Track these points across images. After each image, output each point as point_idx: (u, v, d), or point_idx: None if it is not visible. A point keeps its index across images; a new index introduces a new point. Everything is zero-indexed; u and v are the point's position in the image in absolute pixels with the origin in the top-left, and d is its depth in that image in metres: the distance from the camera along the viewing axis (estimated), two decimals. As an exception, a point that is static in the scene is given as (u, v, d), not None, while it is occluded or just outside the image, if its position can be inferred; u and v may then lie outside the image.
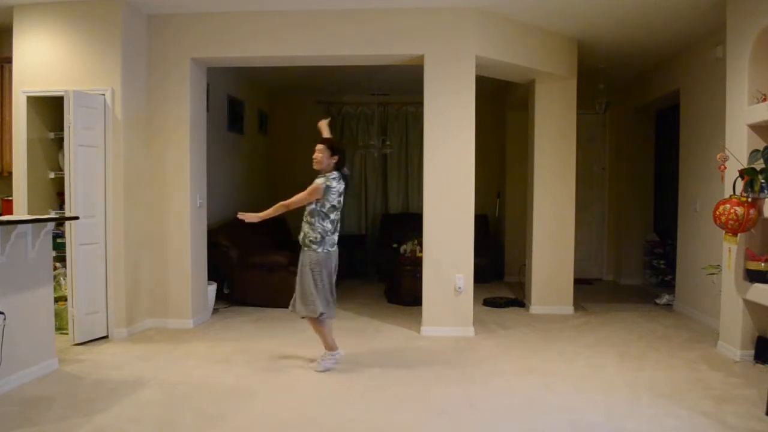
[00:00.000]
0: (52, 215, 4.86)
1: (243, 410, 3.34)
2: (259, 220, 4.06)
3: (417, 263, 5.72)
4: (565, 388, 3.71)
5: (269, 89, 8.53)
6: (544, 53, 5.60)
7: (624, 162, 7.86)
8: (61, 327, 4.65)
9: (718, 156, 4.35)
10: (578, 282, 6.79)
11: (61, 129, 4.64)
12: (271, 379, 3.89)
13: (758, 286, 4.05)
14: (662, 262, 7.38)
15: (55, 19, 4.81)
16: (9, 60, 4.95)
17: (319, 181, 3.92)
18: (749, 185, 4.01)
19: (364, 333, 5.14)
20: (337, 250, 4.11)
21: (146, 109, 5.16)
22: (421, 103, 5.25)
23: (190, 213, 5.22)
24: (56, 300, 4.57)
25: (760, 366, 4.09)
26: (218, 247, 6.09)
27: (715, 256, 5.04)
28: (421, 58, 5.09)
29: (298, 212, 4.14)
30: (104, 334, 4.83)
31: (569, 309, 6.00)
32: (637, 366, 4.17)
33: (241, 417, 3.24)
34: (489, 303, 6.41)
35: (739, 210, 3.90)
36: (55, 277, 4.69)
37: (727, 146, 4.39)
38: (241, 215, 4.08)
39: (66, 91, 4.54)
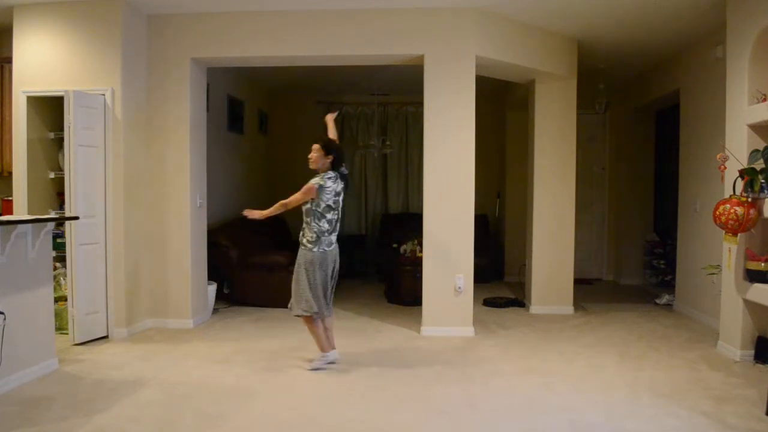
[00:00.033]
0: (52, 215, 4.86)
1: (243, 410, 3.34)
2: (263, 217, 4.11)
3: (417, 263, 5.72)
4: (565, 388, 3.71)
5: (269, 89, 8.53)
6: (544, 53, 5.60)
7: (624, 162, 7.86)
8: (61, 327, 4.65)
9: (718, 156, 4.35)
10: (578, 282, 6.79)
11: (61, 129, 4.64)
12: (271, 379, 3.90)
13: (758, 286, 4.05)
14: (662, 262, 7.38)
15: (55, 19, 4.81)
16: (9, 60, 4.95)
17: (312, 181, 3.94)
18: (749, 185, 4.01)
19: (364, 333, 5.15)
20: (337, 250, 4.11)
21: (146, 109, 5.17)
22: (421, 103, 5.25)
23: (190, 213, 5.22)
24: (56, 300, 4.57)
25: (760, 366, 4.09)
26: (218, 247, 6.09)
27: (715, 256, 5.04)
28: (421, 58, 5.09)
29: (298, 212, 4.14)
30: (104, 334, 4.83)
31: (569, 309, 6.00)
32: (637, 366, 4.17)
33: (241, 417, 3.24)
34: (489, 303, 6.41)
35: (739, 210, 3.90)
36: (55, 277, 4.69)
37: (727, 146, 4.39)
38: (247, 212, 4.15)
39: (66, 91, 4.54)
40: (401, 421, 3.21)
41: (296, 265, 4.04)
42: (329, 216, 3.98)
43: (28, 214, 4.83)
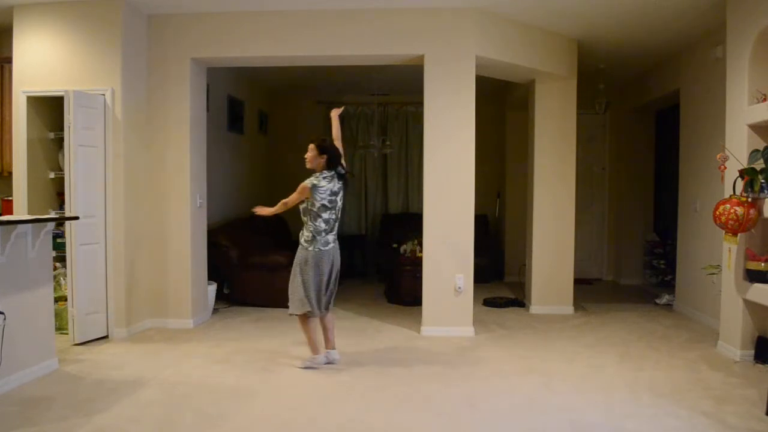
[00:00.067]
0: (52, 215, 4.86)
1: (243, 410, 3.34)
2: (270, 214, 4.19)
3: (417, 263, 5.72)
4: (565, 388, 3.71)
5: (269, 89, 8.53)
6: (544, 53, 5.60)
7: (624, 162, 7.86)
8: (61, 327, 4.65)
9: (718, 156, 4.35)
10: (578, 282, 6.78)
11: (61, 129, 4.64)
12: (271, 379, 3.90)
13: (758, 286, 4.05)
14: (662, 262, 7.38)
15: (55, 19, 4.81)
16: (9, 60, 4.95)
17: (306, 181, 3.98)
18: (749, 185, 4.01)
19: (364, 333, 5.14)
20: (335, 250, 4.09)
21: (146, 109, 5.16)
22: (421, 103, 5.25)
23: (190, 213, 5.22)
24: (56, 300, 4.56)
25: (760, 366, 4.09)
26: (218, 247, 6.08)
27: (715, 256, 5.04)
28: (421, 58, 5.09)
29: (298, 212, 4.15)
30: (104, 334, 4.83)
31: (569, 309, 6.00)
32: (637, 366, 4.17)
33: (241, 417, 3.24)
34: (489, 303, 6.41)
35: (739, 210, 3.90)
36: (55, 277, 4.69)
37: (727, 146, 4.39)
38: (258, 209, 4.22)
39: (66, 91, 4.54)
40: (401, 421, 3.21)
41: (293, 264, 4.08)
42: (325, 215, 3.98)
43: (28, 214, 4.83)
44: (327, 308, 4.15)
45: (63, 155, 4.81)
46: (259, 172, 8.41)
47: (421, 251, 5.52)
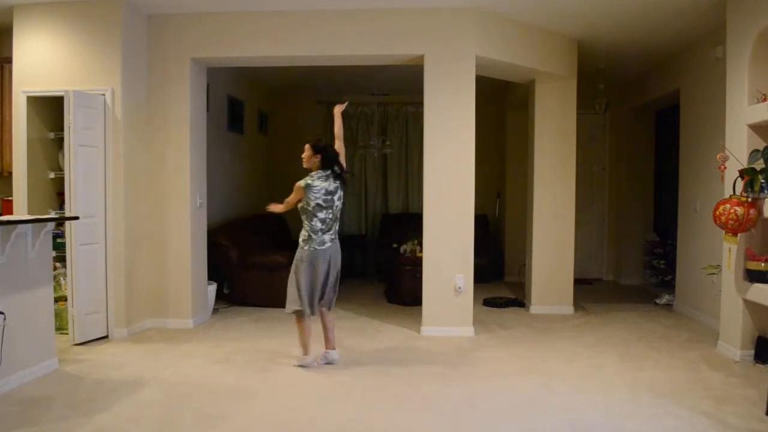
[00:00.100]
0: (52, 215, 4.86)
1: (243, 410, 3.34)
2: (281, 212, 4.22)
3: (417, 263, 5.72)
4: (565, 388, 3.71)
5: (269, 89, 8.53)
6: (544, 53, 5.60)
7: (624, 162, 7.86)
8: (61, 327, 4.65)
9: (718, 156, 4.35)
10: (578, 282, 6.78)
11: (61, 129, 4.64)
12: (271, 379, 3.90)
13: (758, 286, 4.05)
14: (662, 262, 7.38)
15: (55, 19, 4.81)
16: (9, 60, 4.95)
17: (300, 181, 4.02)
18: (749, 185, 4.01)
19: (364, 333, 5.14)
20: (333, 250, 4.08)
21: (146, 109, 5.16)
22: (421, 103, 5.25)
23: (190, 213, 5.22)
24: (56, 300, 4.56)
25: (760, 366, 4.09)
26: (218, 247, 6.08)
27: (715, 256, 5.04)
28: (421, 58, 5.09)
29: (298, 212, 4.16)
30: (104, 334, 4.83)
31: (569, 309, 6.00)
32: (637, 366, 4.17)
33: (241, 417, 3.24)
34: (489, 303, 6.41)
35: (739, 210, 3.90)
36: (55, 277, 4.69)
37: (727, 146, 4.39)
38: (272, 206, 4.25)
39: (66, 91, 4.54)
40: (401, 421, 3.21)
41: (292, 263, 4.11)
42: (321, 215, 3.99)
43: (28, 214, 4.83)
44: (327, 307, 4.15)
45: (63, 155, 4.81)
46: (259, 172, 8.41)
47: (421, 251, 5.52)
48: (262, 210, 8.18)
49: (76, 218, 4.25)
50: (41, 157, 5.04)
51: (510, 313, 5.99)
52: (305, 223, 4.04)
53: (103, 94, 4.78)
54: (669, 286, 6.82)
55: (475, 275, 5.24)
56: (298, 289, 4.01)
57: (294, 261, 4.08)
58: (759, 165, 4.00)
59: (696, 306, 5.68)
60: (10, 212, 4.97)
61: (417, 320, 5.28)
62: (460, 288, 5.11)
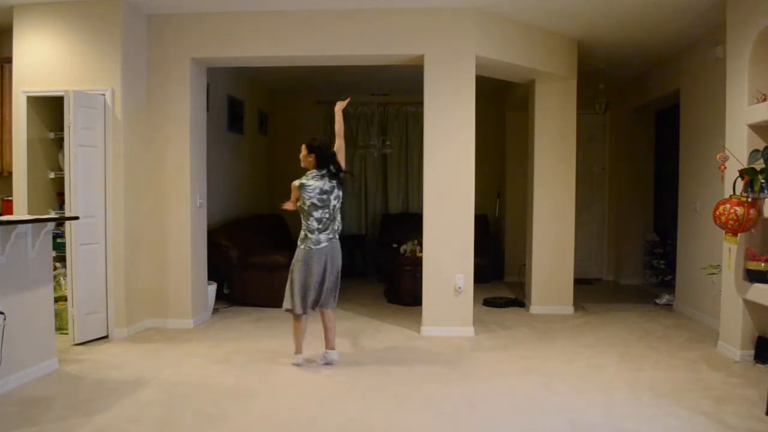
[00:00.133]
0: (52, 215, 4.86)
1: (243, 410, 3.34)
2: (293, 209, 4.16)
3: (417, 263, 5.72)
4: (565, 388, 3.71)
5: (269, 89, 8.53)
6: (544, 53, 5.60)
7: (624, 162, 7.86)
8: (61, 327, 4.65)
9: (718, 156, 4.35)
10: (578, 282, 6.79)
11: (61, 129, 4.64)
12: (271, 379, 3.90)
13: (758, 286, 4.05)
14: (662, 262, 7.38)
15: (55, 19, 4.81)
16: (9, 60, 4.95)
17: (296, 180, 4.05)
18: (749, 185, 4.01)
19: (364, 333, 5.14)
20: (330, 249, 4.06)
21: (146, 109, 5.17)
22: (421, 103, 5.25)
23: (190, 213, 5.22)
24: (56, 300, 4.57)
25: (760, 366, 4.09)
26: (218, 247, 6.08)
27: (715, 256, 5.04)
28: (421, 58, 5.09)
29: (297, 212, 4.17)
30: (104, 334, 4.83)
31: (569, 309, 6.00)
32: (637, 366, 4.17)
33: (241, 417, 3.24)
34: (489, 303, 6.41)
35: (739, 210, 3.90)
36: (55, 277, 4.69)
37: (727, 146, 4.39)
38: (286, 205, 4.18)
39: (66, 91, 4.54)
40: (401, 421, 3.21)
41: None
42: (317, 214, 4.01)
43: (28, 214, 4.83)
44: (327, 307, 4.15)
45: (63, 155, 4.82)
46: (259, 172, 8.41)
47: (421, 251, 5.52)
48: (262, 210, 8.24)
49: (76, 218, 4.25)
50: (41, 157, 5.04)
51: (510, 313, 5.99)
52: (303, 223, 4.08)
53: (103, 94, 4.78)
54: (669, 286, 6.83)
55: (475, 275, 5.24)
56: (292, 288, 4.04)
57: (293, 260, 4.10)
58: (759, 165, 4.00)
59: (696, 306, 5.68)
60: (10, 212, 4.97)
61: (417, 320, 5.28)
62: (460, 288, 5.11)
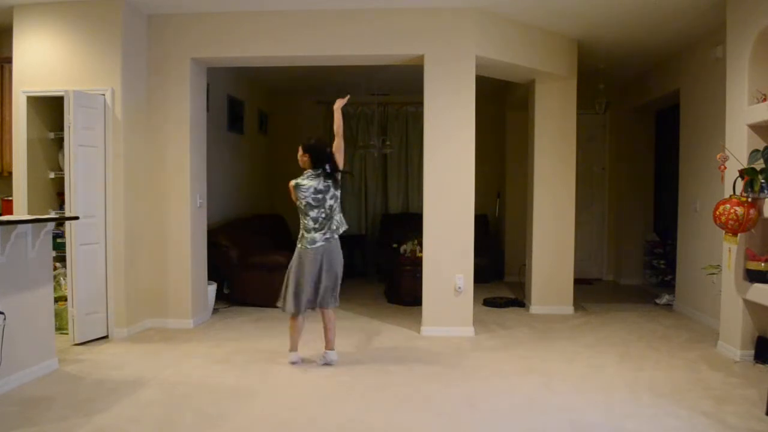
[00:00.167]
0: (52, 215, 4.86)
1: (243, 410, 3.34)
2: None
3: (417, 263, 5.72)
4: (565, 388, 3.71)
5: (269, 89, 8.53)
6: (544, 53, 5.60)
7: (624, 162, 7.86)
8: (61, 327, 4.65)
9: (718, 156, 4.35)
10: (578, 282, 6.78)
11: (61, 129, 4.64)
12: (271, 379, 3.90)
13: (758, 286, 4.05)
14: (662, 262, 7.38)
15: (55, 19, 4.81)
16: (9, 60, 4.95)
17: (292, 180, 4.09)
18: (749, 185, 4.01)
19: (364, 333, 5.14)
20: (325, 249, 4.07)
21: (146, 109, 5.16)
22: (421, 103, 5.25)
23: (190, 213, 5.22)
24: (56, 300, 4.56)
25: (760, 366, 4.09)
26: (218, 247, 6.08)
27: (715, 256, 5.04)
28: (421, 58, 5.09)
29: (297, 212, 4.19)
30: (104, 334, 4.83)
31: (569, 309, 6.00)
32: (637, 366, 4.17)
33: (241, 417, 3.24)
34: (489, 303, 6.40)
35: (739, 210, 3.90)
36: (55, 277, 4.69)
37: (727, 146, 4.39)
38: None
39: (66, 91, 4.54)
40: (401, 421, 3.21)
41: None
42: (313, 214, 4.04)
43: (28, 214, 4.83)
44: (326, 307, 4.14)
45: (63, 155, 4.81)
46: (259, 172, 8.41)
47: (421, 251, 5.52)
48: (262, 210, 8.23)
49: (76, 218, 4.25)
50: (41, 157, 5.04)
51: (510, 313, 5.99)
52: (301, 222, 4.11)
53: (103, 94, 4.78)
54: (669, 286, 6.82)
55: (475, 275, 5.24)
56: (286, 286, 4.09)
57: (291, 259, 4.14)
58: (759, 165, 4.00)
59: (696, 306, 5.68)
60: (10, 212, 4.97)
61: (417, 320, 5.28)
62: (460, 288, 5.11)
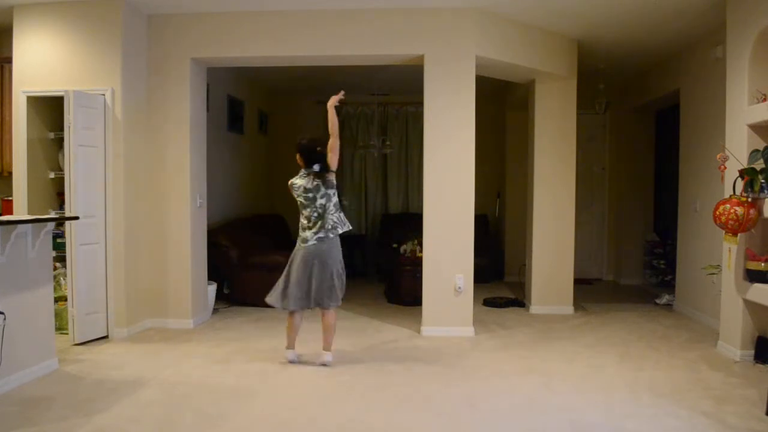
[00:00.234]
0: (52, 215, 4.86)
1: (243, 410, 3.34)
2: None
3: (417, 263, 5.72)
4: (565, 388, 3.71)
5: (269, 89, 8.53)
6: (544, 53, 5.60)
7: (624, 162, 7.86)
8: (61, 327, 4.65)
9: (718, 156, 4.35)
10: (578, 282, 6.78)
11: (61, 129, 4.64)
12: (271, 379, 3.90)
13: (758, 286, 4.05)
14: (662, 262, 7.38)
15: (55, 19, 4.81)
16: (9, 60, 4.95)
17: (290, 180, 4.19)
18: (749, 185, 4.01)
19: (364, 333, 5.14)
20: (315, 248, 4.07)
21: (146, 109, 5.16)
22: (421, 103, 5.25)
23: (190, 213, 5.22)
24: (56, 300, 4.56)
25: (760, 366, 4.09)
26: (218, 247, 6.08)
27: (715, 256, 5.04)
28: (421, 58, 5.09)
29: (297, 212, 4.22)
30: (104, 334, 4.83)
31: (569, 309, 6.00)
32: (637, 366, 4.17)
33: (241, 417, 3.24)
34: (489, 303, 6.40)
35: (739, 210, 3.90)
36: (55, 277, 4.69)
37: (727, 146, 4.39)
38: None
39: (66, 91, 4.54)
40: (401, 421, 3.21)
41: None
42: (305, 212, 4.13)
43: (28, 214, 4.83)
44: (323, 307, 4.12)
45: (63, 155, 4.81)
46: (259, 172, 8.41)
47: (421, 251, 5.52)
48: (262, 210, 8.23)
49: (76, 218, 4.25)
50: (41, 157, 5.04)
51: (510, 313, 5.99)
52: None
53: (103, 94, 4.78)
54: (669, 286, 6.82)
55: (475, 275, 5.24)
56: (281, 284, 4.15)
57: None
58: (759, 165, 4.00)
59: (696, 306, 5.68)
60: (10, 212, 4.97)
61: (417, 320, 5.28)
62: (460, 288, 5.11)
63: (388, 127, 8.78)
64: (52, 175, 5.09)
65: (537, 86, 5.94)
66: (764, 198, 3.96)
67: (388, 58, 5.27)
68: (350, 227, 4.28)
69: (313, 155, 4.10)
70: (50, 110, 4.98)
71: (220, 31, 5.12)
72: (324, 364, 4.14)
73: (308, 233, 4.10)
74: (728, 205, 3.97)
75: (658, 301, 6.46)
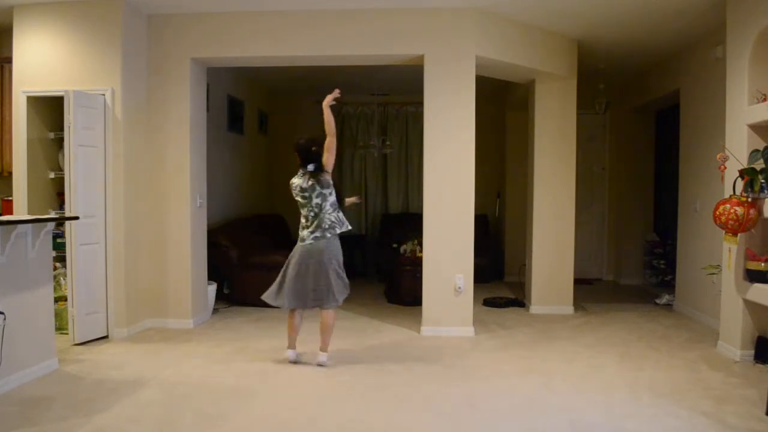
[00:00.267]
0: (52, 215, 4.86)
1: (243, 410, 3.34)
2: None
3: (417, 263, 5.72)
4: (565, 388, 3.71)
5: (269, 89, 8.53)
6: (544, 53, 5.60)
7: (624, 162, 7.86)
8: (61, 327, 4.65)
9: (718, 156, 4.35)
10: (578, 282, 6.78)
11: (61, 129, 4.64)
12: (271, 379, 3.90)
13: (758, 286, 4.05)
14: (662, 262, 7.38)
15: (55, 19, 4.81)
16: (9, 60, 4.95)
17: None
18: (749, 185, 4.01)
19: (364, 333, 5.14)
20: (310, 248, 4.09)
21: (146, 109, 5.16)
22: (421, 103, 5.25)
23: (190, 213, 5.22)
24: (56, 300, 4.56)
25: (760, 366, 4.09)
26: (218, 247, 6.08)
27: (715, 256, 5.04)
28: (421, 58, 5.09)
29: (298, 212, 4.22)
30: (104, 334, 4.83)
31: (569, 309, 6.00)
32: (637, 366, 4.17)
33: (241, 417, 3.24)
34: (489, 303, 6.40)
35: (739, 210, 3.90)
36: (55, 277, 4.69)
37: (727, 146, 4.39)
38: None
39: (66, 91, 4.54)
40: (401, 421, 3.21)
41: None
42: (303, 212, 4.16)
43: (28, 214, 4.83)
44: (322, 306, 4.12)
45: (63, 155, 4.81)
46: (259, 172, 8.41)
47: (421, 251, 5.52)
48: (262, 210, 8.23)
49: (76, 218, 4.25)
50: (41, 157, 5.04)
51: (510, 313, 5.99)
52: None
53: (103, 94, 4.78)
54: (669, 286, 6.82)
55: (475, 275, 5.24)
56: (279, 282, 4.20)
57: None
58: (759, 165, 4.00)
59: (696, 306, 5.68)
60: (10, 212, 4.97)
61: (417, 320, 5.28)
62: (460, 288, 5.11)
63: (388, 127, 8.78)
64: (52, 175, 5.09)
65: (537, 86, 5.94)
66: (764, 198, 3.96)
67: (388, 58, 5.27)
68: (350, 227, 4.27)
69: (309, 155, 4.12)
70: (50, 110, 4.98)
71: (220, 31, 5.12)
72: (320, 365, 4.14)
73: (306, 232, 4.13)
74: (728, 205, 3.97)
75: (658, 301, 6.46)
